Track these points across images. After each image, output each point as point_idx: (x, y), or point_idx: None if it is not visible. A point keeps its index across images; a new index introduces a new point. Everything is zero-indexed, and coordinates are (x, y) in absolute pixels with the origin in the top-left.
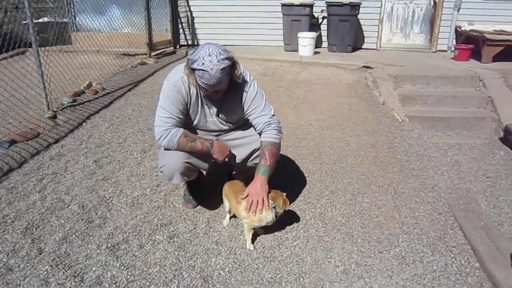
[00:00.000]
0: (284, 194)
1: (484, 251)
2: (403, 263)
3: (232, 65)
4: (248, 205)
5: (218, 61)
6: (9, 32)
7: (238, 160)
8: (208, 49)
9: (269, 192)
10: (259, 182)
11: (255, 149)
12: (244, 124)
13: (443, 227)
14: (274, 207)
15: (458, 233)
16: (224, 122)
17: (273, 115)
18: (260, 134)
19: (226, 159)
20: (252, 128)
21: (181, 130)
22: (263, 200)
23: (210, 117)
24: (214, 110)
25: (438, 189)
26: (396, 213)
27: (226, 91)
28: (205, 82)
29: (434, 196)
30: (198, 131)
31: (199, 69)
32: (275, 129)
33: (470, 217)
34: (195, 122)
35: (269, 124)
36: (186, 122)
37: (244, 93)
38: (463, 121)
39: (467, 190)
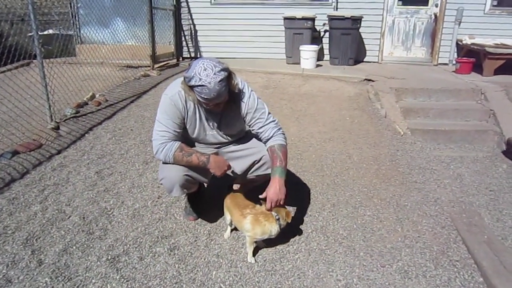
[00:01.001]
0: (286, 207)
1: (488, 265)
2: (406, 277)
3: (228, 75)
4: (268, 205)
5: (214, 73)
6: (14, 44)
7: (238, 172)
8: (203, 64)
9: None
10: (277, 184)
11: (255, 160)
12: (244, 136)
13: (446, 241)
14: (278, 219)
15: (461, 247)
16: (223, 135)
17: (277, 122)
18: (268, 139)
19: (229, 172)
20: (252, 140)
21: (177, 144)
22: (282, 202)
23: (210, 131)
24: (213, 123)
25: (441, 203)
26: (399, 226)
27: (225, 104)
28: (206, 97)
29: (436, 210)
30: (197, 144)
31: (197, 85)
32: (283, 133)
33: (473, 231)
34: (194, 136)
35: (278, 128)
36: (185, 136)
37: (244, 105)
38: (465, 134)
39: (470, 203)
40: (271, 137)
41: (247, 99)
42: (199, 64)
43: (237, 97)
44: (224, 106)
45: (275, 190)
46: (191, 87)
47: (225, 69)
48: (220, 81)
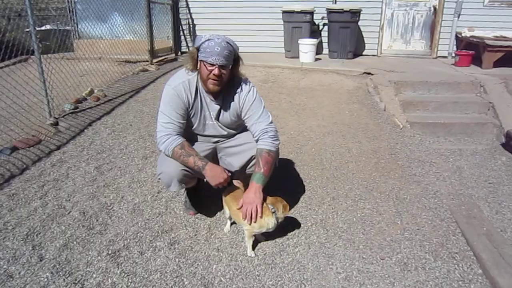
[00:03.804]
0: (283, 200)
1: (487, 257)
2: (405, 269)
3: (236, 59)
4: (243, 214)
5: (223, 40)
6: (12, 40)
7: (237, 167)
8: (216, 35)
9: (265, 199)
10: (253, 190)
11: (253, 155)
12: (242, 131)
13: (445, 234)
14: (274, 212)
15: (460, 240)
16: (223, 126)
17: (271, 123)
18: (257, 141)
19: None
20: (250, 135)
21: (180, 140)
22: (257, 208)
23: (210, 120)
24: (214, 113)
25: (440, 195)
26: (398, 219)
27: (226, 93)
28: (209, 50)
29: (436, 202)
30: (198, 137)
31: (205, 41)
32: (271, 137)
33: (473, 223)
34: (194, 126)
35: (265, 132)
36: (187, 126)
37: (243, 98)
38: (464, 127)
39: (469, 196)
40: (258, 139)
41: (246, 92)
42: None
43: (238, 90)
44: (224, 95)
45: (249, 195)
46: (199, 48)
47: (234, 45)
48: (227, 43)
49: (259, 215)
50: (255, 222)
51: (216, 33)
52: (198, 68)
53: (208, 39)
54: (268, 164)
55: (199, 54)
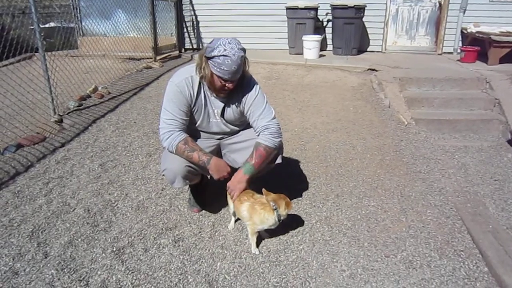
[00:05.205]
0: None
1: (493, 255)
2: (410, 267)
3: (245, 59)
4: (230, 193)
5: (238, 48)
6: (16, 37)
7: (241, 163)
8: (226, 39)
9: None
10: (238, 178)
11: None
12: (246, 127)
13: (450, 231)
14: (276, 209)
15: (466, 237)
16: (227, 124)
17: (273, 118)
18: (258, 135)
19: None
20: (253, 131)
21: (183, 136)
22: (234, 195)
23: (214, 118)
24: (218, 110)
25: (445, 192)
26: (403, 216)
27: (231, 90)
28: (226, 68)
29: (441, 200)
30: (201, 133)
31: (220, 55)
32: (272, 133)
33: (478, 221)
34: (198, 123)
35: (266, 128)
36: (190, 123)
37: (246, 94)
38: (469, 123)
39: (474, 193)
40: (259, 134)
41: (249, 88)
42: (222, 39)
43: (242, 87)
44: (229, 93)
45: (233, 181)
46: (211, 58)
47: (244, 50)
48: (241, 57)
49: (266, 209)
50: (232, 201)
51: (219, 29)
52: (205, 73)
53: (224, 55)
54: (261, 158)
55: (211, 65)
